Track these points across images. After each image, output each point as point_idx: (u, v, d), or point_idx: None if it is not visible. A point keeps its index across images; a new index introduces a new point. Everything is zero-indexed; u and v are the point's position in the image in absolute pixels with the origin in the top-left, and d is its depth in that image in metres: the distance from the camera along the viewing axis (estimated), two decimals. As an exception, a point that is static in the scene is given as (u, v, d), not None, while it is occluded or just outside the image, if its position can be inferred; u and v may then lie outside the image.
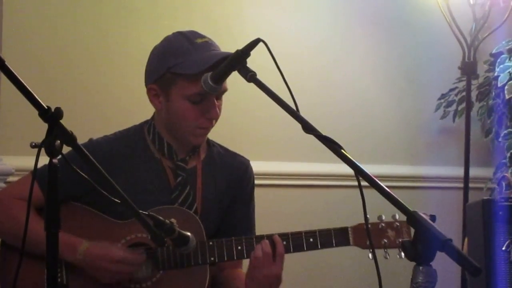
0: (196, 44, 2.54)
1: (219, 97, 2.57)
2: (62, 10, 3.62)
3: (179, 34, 2.58)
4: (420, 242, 1.64)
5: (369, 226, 2.49)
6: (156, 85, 2.57)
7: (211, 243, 2.53)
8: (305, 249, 2.56)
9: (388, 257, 2.55)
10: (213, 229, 2.66)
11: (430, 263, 1.64)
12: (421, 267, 1.63)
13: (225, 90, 2.56)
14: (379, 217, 2.58)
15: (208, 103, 2.53)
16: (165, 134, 2.64)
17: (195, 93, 2.47)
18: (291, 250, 2.55)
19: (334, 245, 2.57)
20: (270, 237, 2.55)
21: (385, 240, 2.58)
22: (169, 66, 2.52)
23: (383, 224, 2.59)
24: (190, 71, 2.48)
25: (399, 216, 2.58)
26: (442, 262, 1.74)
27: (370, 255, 2.46)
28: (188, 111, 2.54)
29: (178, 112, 2.55)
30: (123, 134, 2.68)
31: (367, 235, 2.51)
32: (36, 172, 1.77)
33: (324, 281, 4.29)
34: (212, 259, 2.53)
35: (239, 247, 2.54)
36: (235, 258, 2.55)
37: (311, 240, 2.55)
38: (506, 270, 2.91)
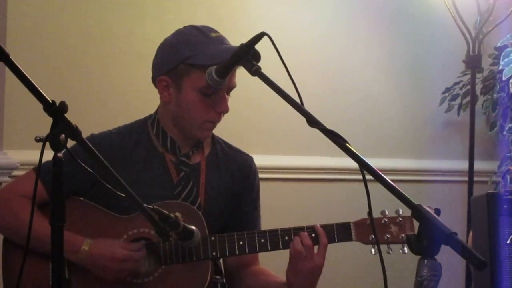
0: (211, 37, 2.54)
1: (227, 93, 2.57)
2: (66, 4, 3.62)
3: (192, 27, 2.58)
4: (424, 235, 1.64)
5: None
6: (168, 76, 2.56)
7: (213, 238, 2.53)
8: None
9: (391, 252, 2.54)
10: (218, 225, 2.65)
11: (435, 257, 1.64)
12: (425, 261, 1.63)
13: (234, 86, 2.56)
14: (382, 212, 2.57)
15: (218, 97, 2.53)
16: (169, 128, 2.63)
17: (208, 86, 2.45)
18: None
19: (336, 240, 2.56)
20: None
21: (388, 236, 2.56)
22: (184, 57, 2.51)
23: (386, 220, 2.57)
24: (207, 62, 2.45)
25: (403, 211, 2.56)
26: (446, 256, 1.74)
27: (372, 250, 2.49)
28: (199, 103, 2.54)
29: (189, 104, 2.55)
30: (126, 128, 2.68)
31: (372, 230, 2.49)
32: (39, 167, 1.77)
33: (325, 276, 4.28)
34: (214, 254, 2.53)
35: (241, 242, 2.54)
36: (237, 253, 2.55)
37: (313, 235, 2.55)
38: (510, 264, 2.91)
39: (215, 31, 2.57)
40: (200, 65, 2.48)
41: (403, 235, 2.55)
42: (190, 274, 2.53)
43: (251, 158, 2.77)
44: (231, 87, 2.55)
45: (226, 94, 2.55)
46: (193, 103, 2.54)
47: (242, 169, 2.73)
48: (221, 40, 2.54)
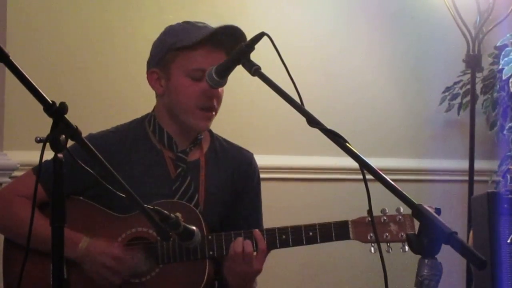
0: (195, 25, 2.58)
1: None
2: (66, 4, 3.62)
3: (181, 22, 2.63)
4: (425, 235, 1.64)
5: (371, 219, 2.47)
6: (157, 67, 2.60)
7: (210, 237, 2.52)
8: (304, 243, 2.55)
9: (390, 251, 2.52)
10: (216, 223, 2.66)
11: (436, 256, 1.64)
12: (426, 260, 1.63)
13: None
14: (382, 210, 2.55)
15: None
16: (166, 124, 2.64)
17: (195, 68, 2.47)
18: (290, 244, 2.54)
19: (333, 238, 2.55)
20: (263, 231, 2.54)
21: (387, 234, 2.54)
22: (169, 44, 2.56)
23: (386, 218, 2.54)
24: (190, 42, 2.51)
25: (403, 209, 2.54)
26: (447, 255, 1.74)
27: (372, 249, 2.48)
28: (189, 88, 2.55)
29: (179, 90, 2.56)
30: (124, 127, 2.69)
31: (372, 228, 2.47)
32: (40, 168, 1.77)
33: (324, 276, 4.28)
34: (211, 253, 2.52)
35: None
36: None
37: (311, 234, 2.54)
38: (511, 263, 2.91)
39: (203, 23, 2.61)
40: (184, 46, 2.52)
41: (402, 234, 2.53)
42: (187, 274, 2.53)
43: (251, 155, 2.77)
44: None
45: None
46: (183, 88, 2.55)
47: (242, 166, 2.73)
48: (207, 27, 2.57)
